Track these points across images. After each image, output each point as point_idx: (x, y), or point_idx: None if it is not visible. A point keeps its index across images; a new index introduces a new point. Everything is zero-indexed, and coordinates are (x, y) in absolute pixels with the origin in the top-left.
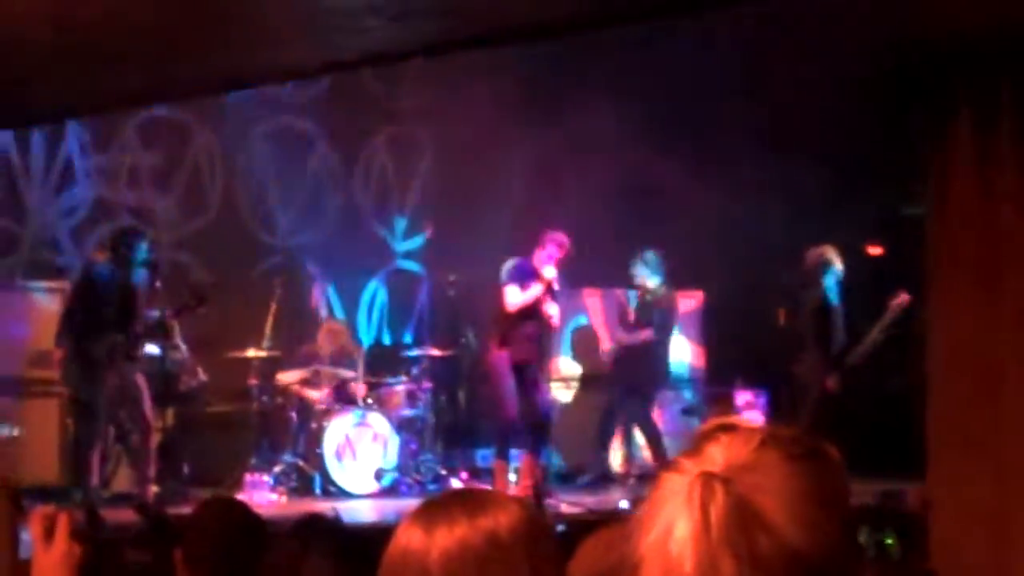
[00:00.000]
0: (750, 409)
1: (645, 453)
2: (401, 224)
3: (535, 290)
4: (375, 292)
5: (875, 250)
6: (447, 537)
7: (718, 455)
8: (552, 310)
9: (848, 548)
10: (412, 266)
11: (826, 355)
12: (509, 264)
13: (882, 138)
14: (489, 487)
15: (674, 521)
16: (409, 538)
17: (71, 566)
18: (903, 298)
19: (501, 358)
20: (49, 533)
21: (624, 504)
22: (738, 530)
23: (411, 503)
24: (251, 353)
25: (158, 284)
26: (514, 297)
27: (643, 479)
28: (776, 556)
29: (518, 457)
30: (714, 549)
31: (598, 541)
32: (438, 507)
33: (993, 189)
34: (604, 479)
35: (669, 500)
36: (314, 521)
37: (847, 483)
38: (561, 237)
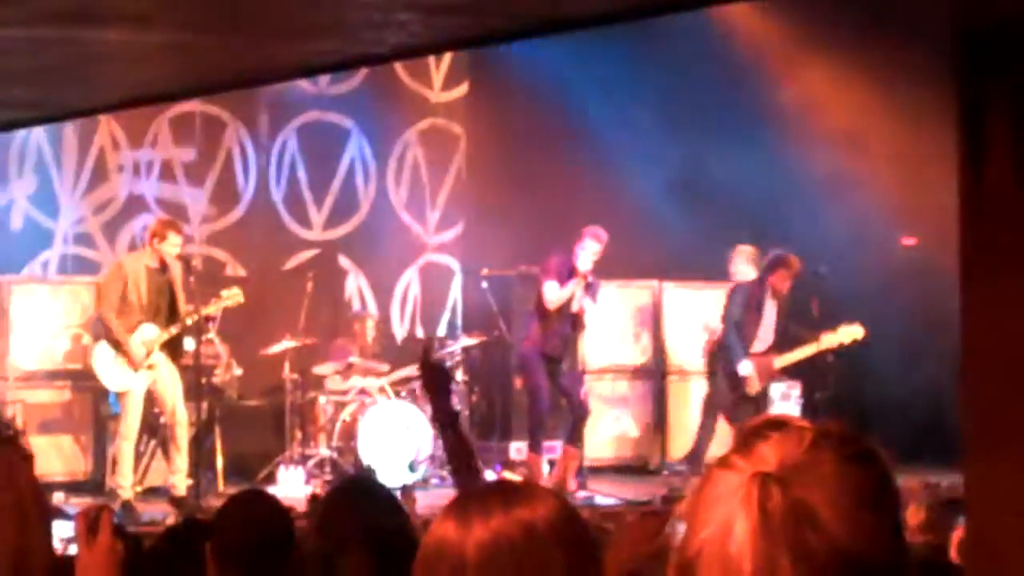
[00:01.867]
0: (786, 400)
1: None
2: (434, 217)
3: (573, 286)
4: (408, 285)
5: (909, 241)
6: (483, 529)
7: (770, 454)
8: (587, 305)
9: (899, 550)
10: (445, 259)
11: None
12: (549, 261)
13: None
14: (522, 479)
15: (732, 521)
16: (445, 530)
17: (114, 563)
18: (857, 330)
19: (533, 351)
20: (92, 530)
21: (659, 496)
22: (795, 531)
23: (445, 495)
24: (285, 346)
25: (192, 278)
26: (552, 293)
27: (678, 473)
28: (830, 557)
29: (552, 450)
30: (772, 549)
31: (635, 531)
32: (474, 499)
33: None
34: (640, 471)
35: (725, 499)
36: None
37: (896, 485)
38: (599, 231)
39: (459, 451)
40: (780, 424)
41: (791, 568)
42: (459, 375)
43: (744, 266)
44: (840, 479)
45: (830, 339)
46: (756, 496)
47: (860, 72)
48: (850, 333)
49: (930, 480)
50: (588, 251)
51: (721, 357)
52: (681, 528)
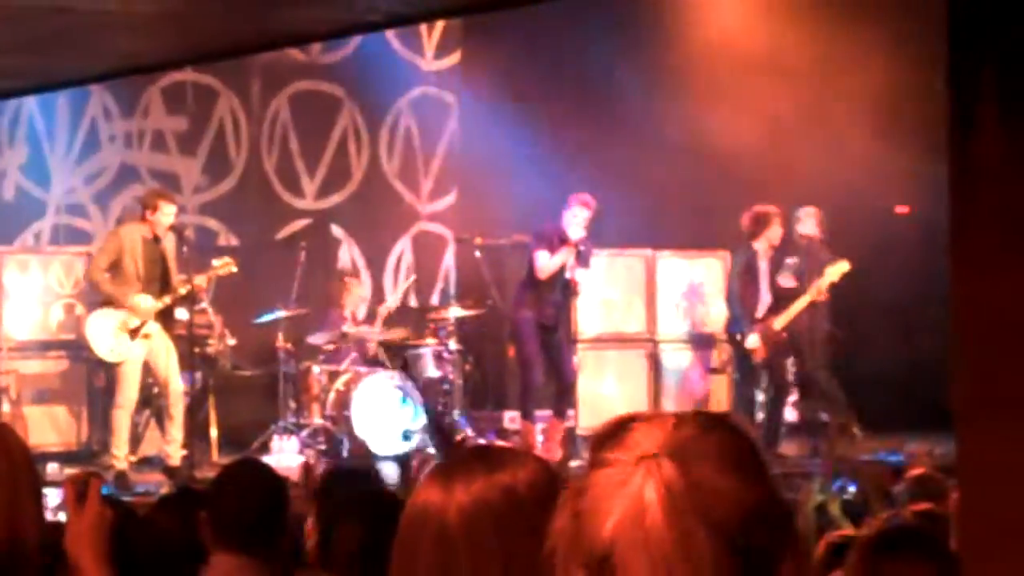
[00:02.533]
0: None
1: None
2: (427, 186)
3: (564, 254)
4: (401, 254)
5: (902, 209)
6: (464, 492)
7: (644, 440)
8: (579, 275)
9: (781, 502)
10: (439, 228)
11: (746, 316)
12: (540, 229)
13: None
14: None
15: (640, 505)
16: (428, 494)
17: (103, 530)
18: (843, 265)
19: (526, 320)
20: (81, 497)
21: None
22: (700, 501)
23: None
24: (278, 316)
25: (184, 248)
26: (543, 262)
27: None
28: (733, 517)
29: (546, 419)
30: (685, 523)
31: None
32: (457, 464)
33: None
34: None
35: (620, 488)
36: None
37: (755, 443)
38: (586, 198)
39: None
40: (635, 418)
41: (706, 536)
42: (452, 344)
43: (812, 227)
44: (715, 446)
45: (821, 283)
46: (656, 476)
47: (863, 38)
48: (837, 270)
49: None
50: (578, 218)
51: (729, 334)
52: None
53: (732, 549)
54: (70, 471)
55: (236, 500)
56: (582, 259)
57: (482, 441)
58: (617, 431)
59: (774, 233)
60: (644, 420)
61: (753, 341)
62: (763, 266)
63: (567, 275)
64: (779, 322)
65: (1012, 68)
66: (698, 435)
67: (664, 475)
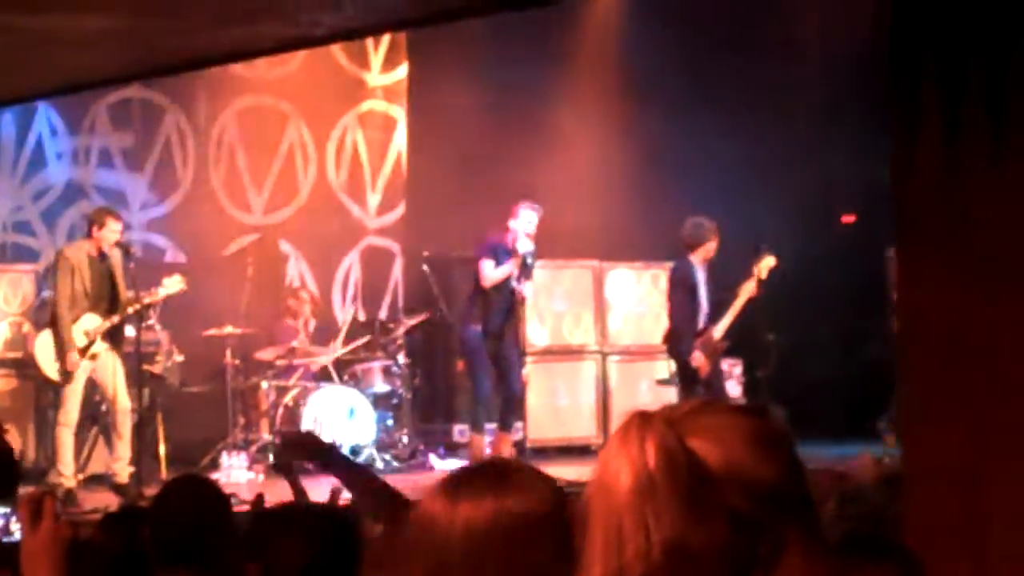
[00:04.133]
0: (727, 379)
1: None
2: (374, 200)
3: (509, 265)
4: (350, 268)
5: (848, 218)
6: (472, 510)
7: (662, 408)
8: (524, 286)
9: (800, 485)
10: (386, 242)
11: (689, 331)
12: (485, 240)
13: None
14: (465, 462)
15: (611, 453)
16: (434, 507)
17: (58, 549)
18: (769, 260)
19: (474, 332)
20: (36, 516)
21: None
22: (677, 453)
23: (388, 480)
24: (226, 332)
25: (132, 265)
26: (489, 272)
27: None
28: (722, 482)
29: (492, 431)
30: (652, 470)
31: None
32: (466, 479)
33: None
34: (583, 452)
35: (610, 442)
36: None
37: (793, 440)
38: (533, 208)
39: (354, 479)
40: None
41: (675, 492)
42: (400, 358)
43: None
44: (726, 424)
45: (749, 285)
46: (635, 427)
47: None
48: (765, 265)
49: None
50: (524, 222)
51: (673, 348)
52: None
53: (723, 516)
54: (20, 490)
55: (177, 516)
56: (526, 271)
57: (432, 456)
58: (660, 408)
59: (711, 245)
60: (680, 402)
61: (697, 359)
62: (700, 277)
63: (511, 285)
64: (718, 330)
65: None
66: (715, 410)
67: (647, 430)
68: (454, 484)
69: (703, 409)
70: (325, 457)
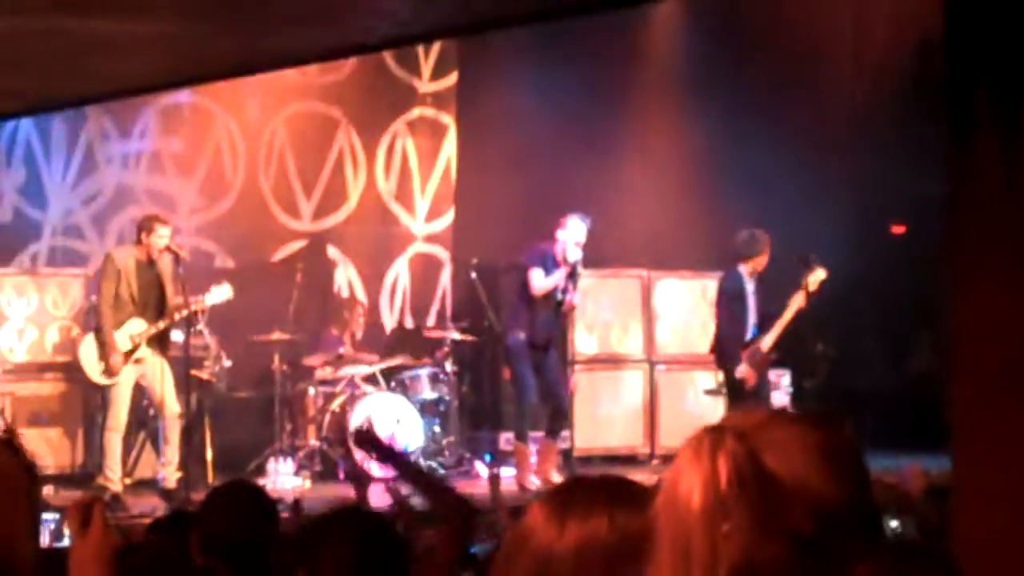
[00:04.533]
0: (775, 389)
1: None
2: (423, 207)
3: (559, 275)
4: (397, 276)
5: (899, 228)
6: (579, 528)
7: (733, 419)
8: (573, 296)
9: (865, 504)
10: (435, 250)
11: (737, 341)
12: (533, 248)
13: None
14: (514, 470)
15: (682, 468)
16: (537, 522)
17: (107, 555)
18: (819, 273)
19: (519, 341)
20: (85, 523)
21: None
22: (748, 473)
23: None
24: (274, 338)
25: (181, 270)
26: (538, 281)
27: (668, 460)
28: (788, 502)
29: (538, 440)
30: (723, 490)
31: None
32: (578, 493)
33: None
34: (629, 462)
35: (682, 454)
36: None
37: (861, 452)
38: (581, 218)
39: (422, 482)
40: (757, 409)
41: (745, 513)
42: (448, 366)
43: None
44: (795, 438)
45: (798, 298)
46: (707, 443)
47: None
48: (814, 279)
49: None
50: (572, 232)
51: (720, 358)
52: None
53: (788, 539)
54: (65, 494)
55: (224, 521)
56: (574, 281)
57: (478, 463)
58: (727, 417)
59: (763, 258)
60: (751, 410)
61: (742, 371)
62: (750, 288)
63: (559, 296)
64: (766, 342)
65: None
66: (785, 422)
67: (719, 446)
68: (564, 498)
69: (773, 421)
70: (395, 459)
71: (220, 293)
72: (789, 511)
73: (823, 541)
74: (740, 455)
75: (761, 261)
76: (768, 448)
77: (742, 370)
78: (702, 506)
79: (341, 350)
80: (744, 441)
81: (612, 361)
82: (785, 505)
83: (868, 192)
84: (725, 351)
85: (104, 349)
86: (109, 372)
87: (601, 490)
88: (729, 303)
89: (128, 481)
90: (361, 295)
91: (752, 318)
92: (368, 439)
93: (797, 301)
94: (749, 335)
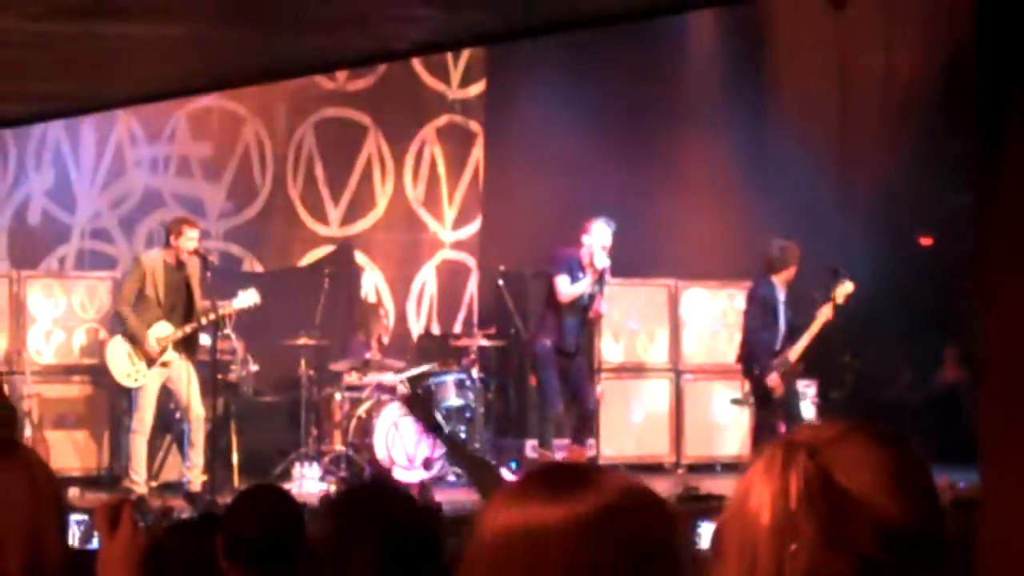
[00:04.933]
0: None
1: None
2: (451, 214)
3: (586, 281)
4: (425, 283)
5: (927, 240)
6: (577, 506)
7: (804, 434)
8: (600, 303)
9: (928, 528)
10: (462, 256)
11: (765, 351)
12: (559, 254)
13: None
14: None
15: (755, 481)
16: (499, 514)
17: (135, 557)
18: (847, 285)
19: (545, 348)
20: (113, 524)
21: (674, 495)
22: (817, 491)
23: (461, 491)
24: (301, 342)
25: (209, 275)
26: (565, 287)
27: (693, 469)
28: (855, 522)
29: (563, 447)
30: (792, 505)
31: None
32: (532, 482)
33: None
34: (655, 470)
35: (755, 468)
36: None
37: (930, 472)
38: (606, 222)
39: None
40: (830, 421)
41: (809, 525)
42: (474, 373)
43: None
44: (871, 453)
45: (826, 310)
46: (780, 458)
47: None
48: (842, 291)
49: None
50: (598, 236)
51: (747, 367)
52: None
53: (852, 558)
54: (91, 496)
55: (250, 525)
56: (601, 287)
57: (504, 470)
58: (798, 430)
59: (793, 269)
60: (826, 422)
61: (773, 380)
62: (780, 297)
63: (585, 303)
64: (794, 352)
65: None
66: (859, 440)
67: (791, 461)
68: (519, 487)
69: (845, 437)
70: (441, 432)
71: (247, 298)
72: (854, 532)
73: (887, 563)
74: (811, 472)
75: (791, 272)
76: (839, 465)
77: (773, 379)
78: (771, 523)
79: (368, 356)
80: (816, 457)
81: (638, 369)
82: (852, 524)
83: (896, 203)
84: (754, 360)
85: (133, 351)
86: (135, 375)
87: (553, 475)
88: (760, 312)
89: (154, 484)
90: (388, 301)
91: (783, 328)
92: (423, 404)
93: (825, 313)
94: (779, 345)
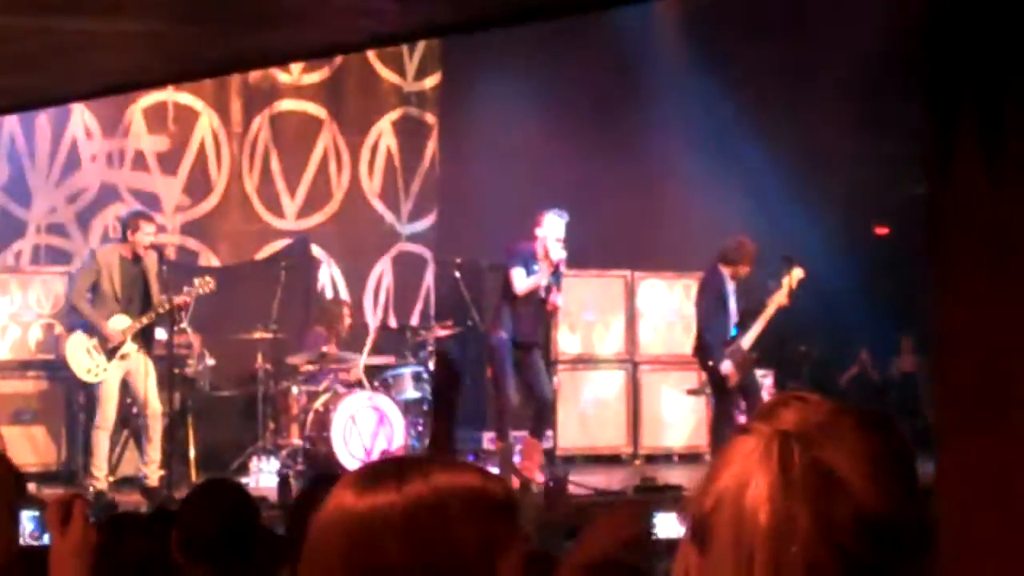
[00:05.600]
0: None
1: None
2: (407, 207)
3: (542, 273)
4: (381, 275)
5: (882, 230)
6: (391, 496)
7: (791, 418)
8: (556, 296)
9: (916, 514)
10: (419, 249)
11: (718, 340)
12: (513, 247)
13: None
14: (495, 469)
15: (751, 475)
16: (340, 499)
17: (87, 552)
18: (797, 271)
19: (502, 340)
20: (65, 520)
21: (631, 486)
22: (814, 487)
23: None
24: (258, 336)
25: (165, 268)
26: (520, 281)
27: (650, 460)
28: (848, 515)
29: (521, 439)
30: (790, 504)
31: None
32: (375, 470)
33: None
34: (612, 461)
35: (744, 456)
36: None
37: (913, 454)
38: (558, 214)
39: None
40: (802, 397)
41: (809, 524)
42: (431, 365)
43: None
44: (858, 441)
45: (779, 296)
46: (776, 452)
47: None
48: (793, 277)
49: None
50: (551, 228)
51: (702, 357)
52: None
53: (834, 550)
54: (49, 492)
55: (205, 519)
56: (557, 279)
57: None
58: (778, 403)
59: (746, 268)
60: (808, 401)
61: (727, 367)
62: (730, 287)
63: (542, 295)
64: (747, 340)
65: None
66: (846, 425)
67: (787, 453)
68: (362, 476)
69: (834, 422)
70: (449, 400)
71: (201, 286)
72: (841, 531)
73: (872, 562)
74: (811, 470)
75: (743, 269)
76: (836, 458)
77: (727, 367)
78: (770, 523)
79: (324, 349)
80: (809, 448)
81: (595, 361)
82: (839, 524)
83: (852, 193)
84: (707, 349)
85: (91, 345)
86: (95, 369)
87: (393, 465)
88: (710, 301)
89: (111, 479)
90: (345, 294)
91: (734, 316)
92: (451, 366)
93: (778, 299)
94: (730, 334)
